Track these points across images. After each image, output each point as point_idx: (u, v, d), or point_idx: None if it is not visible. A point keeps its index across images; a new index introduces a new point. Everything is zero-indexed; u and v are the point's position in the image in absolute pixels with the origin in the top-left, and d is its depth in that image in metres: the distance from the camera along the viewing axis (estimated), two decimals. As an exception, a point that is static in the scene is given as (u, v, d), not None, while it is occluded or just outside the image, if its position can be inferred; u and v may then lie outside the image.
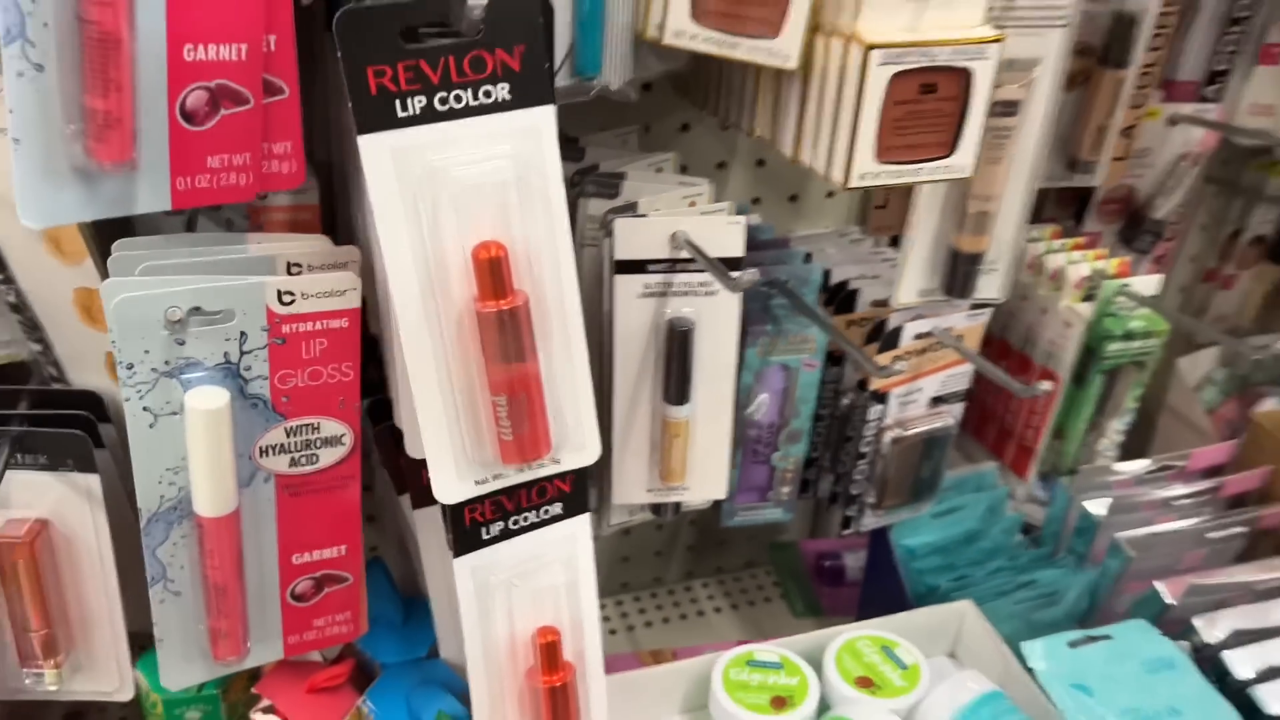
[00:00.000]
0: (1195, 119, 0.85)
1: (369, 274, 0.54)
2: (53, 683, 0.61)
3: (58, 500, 0.57)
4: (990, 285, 0.70)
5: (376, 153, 0.43)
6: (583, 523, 0.58)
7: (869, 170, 0.55)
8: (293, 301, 0.48)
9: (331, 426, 0.53)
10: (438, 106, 0.44)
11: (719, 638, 0.93)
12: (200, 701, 0.62)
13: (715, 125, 0.82)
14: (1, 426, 0.56)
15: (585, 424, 0.51)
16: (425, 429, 0.47)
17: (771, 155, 0.85)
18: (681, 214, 0.62)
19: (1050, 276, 0.79)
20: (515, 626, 0.56)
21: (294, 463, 0.53)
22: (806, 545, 1.04)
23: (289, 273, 0.51)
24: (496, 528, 0.54)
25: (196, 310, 0.46)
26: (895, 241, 0.83)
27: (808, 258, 0.73)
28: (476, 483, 0.49)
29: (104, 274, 0.56)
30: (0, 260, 0.55)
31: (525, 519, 0.55)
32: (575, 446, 0.51)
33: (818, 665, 0.69)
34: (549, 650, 0.55)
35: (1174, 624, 0.74)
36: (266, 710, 0.61)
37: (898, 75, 0.52)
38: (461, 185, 0.45)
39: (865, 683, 0.67)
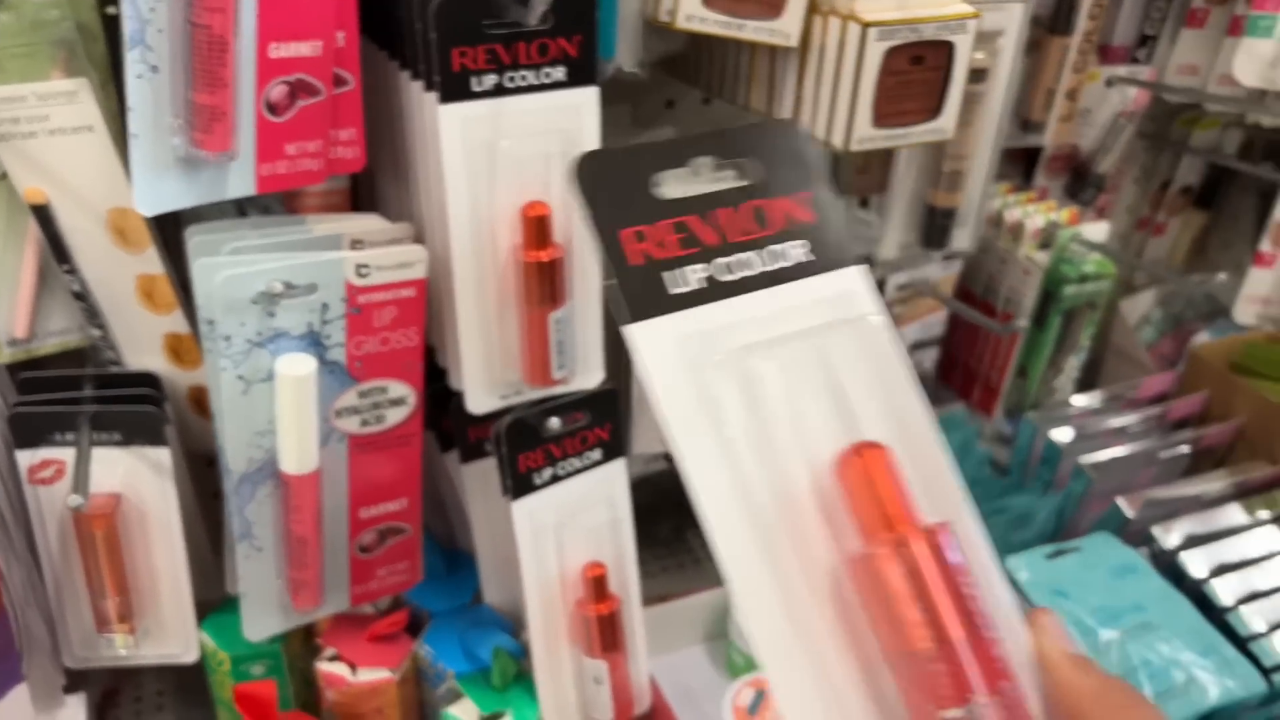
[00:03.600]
0: (1129, 80, 0.93)
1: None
2: (124, 647, 0.65)
3: (130, 473, 0.61)
4: (961, 237, 0.77)
5: (451, 121, 0.49)
6: (620, 466, 0.64)
7: (867, 135, 0.61)
8: (368, 274, 0.53)
9: (398, 388, 0.57)
10: (505, 84, 0.50)
11: (714, 582, 1.00)
12: (264, 656, 0.67)
13: (697, 101, 0.87)
14: (76, 406, 0.59)
15: (593, 358, 0.59)
16: (465, 355, 0.55)
17: (749, 127, 0.91)
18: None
19: (1009, 229, 0.87)
20: (565, 563, 0.62)
21: (364, 423, 0.57)
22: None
23: (353, 249, 0.56)
24: (547, 474, 0.60)
25: (288, 285, 0.50)
26: (865, 204, 0.90)
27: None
28: (501, 397, 0.57)
29: (165, 260, 0.61)
30: (66, 250, 0.59)
31: (571, 465, 0.61)
32: (584, 371, 0.59)
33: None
34: (597, 583, 0.61)
35: (1134, 535, 0.83)
36: (333, 659, 0.66)
37: (891, 49, 0.58)
38: (517, 153, 0.52)
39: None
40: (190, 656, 0.66)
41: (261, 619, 0.60)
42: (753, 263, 0.29)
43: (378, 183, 0.65)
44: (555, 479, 0.61)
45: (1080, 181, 0.98)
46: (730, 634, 0.74)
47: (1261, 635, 0.75)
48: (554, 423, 0.59)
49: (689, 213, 0.28)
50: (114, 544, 0.61)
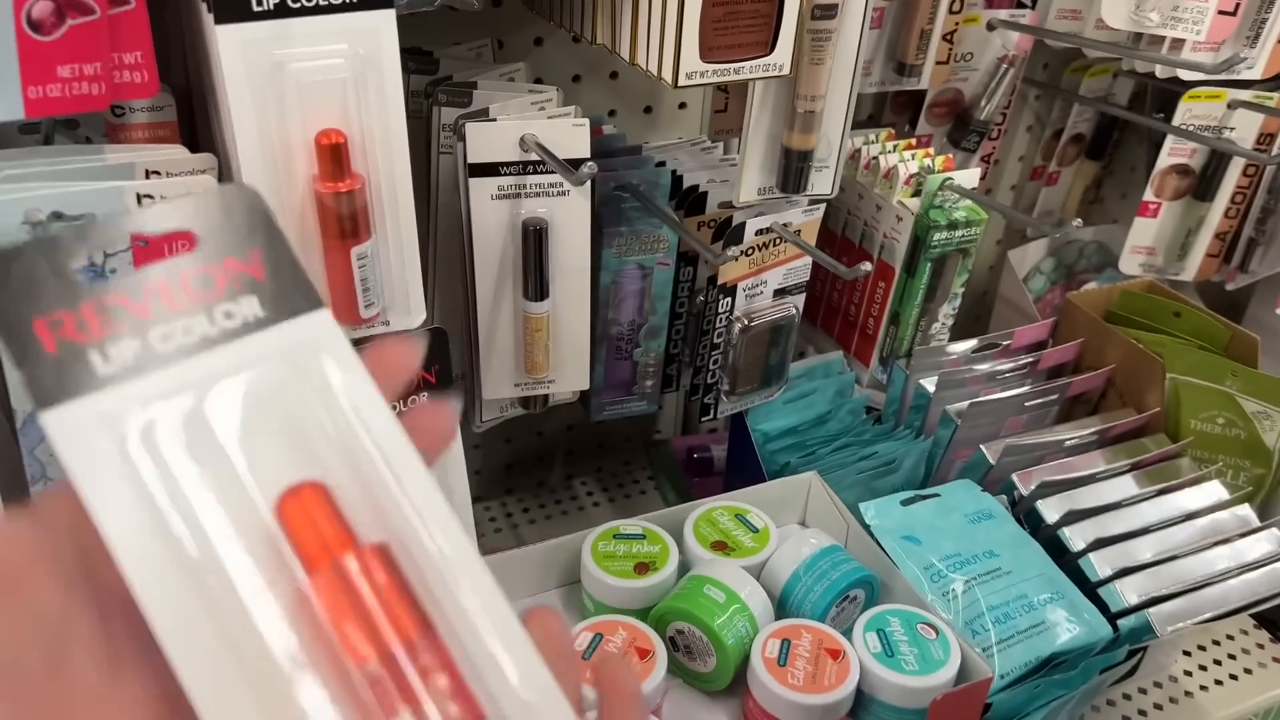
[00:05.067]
0: (1010, 23, 0.92)
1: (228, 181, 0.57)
2: None
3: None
4: (823, 182, 0.76)
5: (230, 43, 0.47)
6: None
7: (695, 69, 0.59)
8: (152, 205, 0.51)
9: None
10: (290, 4, 0.47)
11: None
12: None
13: (567, 39, 0.85)
14: None
15: (413, 294, 0.57)
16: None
17: (624, 68, 0.89)
18: (529, 118, 0.66)
19: (883, 175, 0.86)
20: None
21: None
22: (678, 442, 1.10)
23: (147, 179, 0.53)
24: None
25: (58, 215, 0.48)
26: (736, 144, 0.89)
27: (660, 164, 0.77)
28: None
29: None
30: None
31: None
32: (402, 311, 0.57)
33: (678, 536, 0.75)
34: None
35: (996, 482, 0.83)
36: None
37: (715, -21, 0.57)
38: (309, 78, 0.50)
39: (720, 546, 0.74)
40: None
41: None
42: (194, 328, 0.27)
43: (198, 124, 0.63)
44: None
45: (963, 128, 0.97)
46: (582, 578, 0.73)
47: (1110, 579, 0.75)
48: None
49: (117, 291, 0.27)
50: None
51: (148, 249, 0.28)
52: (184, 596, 0.25)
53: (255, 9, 0.48)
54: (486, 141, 0.64)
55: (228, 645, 0.25)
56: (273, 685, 0.25)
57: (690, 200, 0.82)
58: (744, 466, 0.92)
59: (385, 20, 0.50)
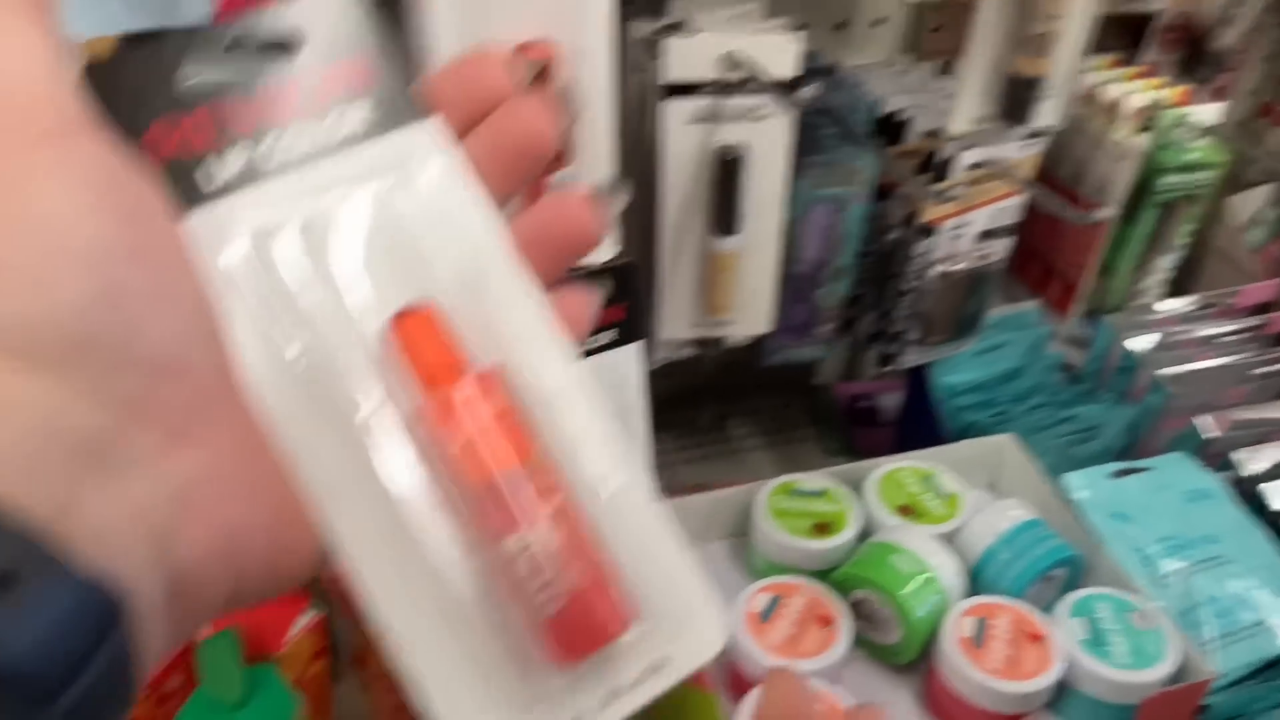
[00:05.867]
0: (1268, -62, 0.80)
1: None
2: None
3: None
4: (1047, 112, 0.68)
5: None
6: (633, 352, 0.58)
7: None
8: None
9: None
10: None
11: (753, 474, 0.94)
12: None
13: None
14: None
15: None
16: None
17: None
18: (734, 33, 0.60)
19: (1105, 107, 0.77)
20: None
21: None
22: (841, 388, 1.04)
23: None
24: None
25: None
26: (947, 69, 0.80)
27: (857, 85, 0.70)
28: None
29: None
30: None
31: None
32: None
33: (858, 493, 0.70)
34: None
35: (1214, 458, 0.75)
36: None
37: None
38: None
39: (906, 510, 0.69)
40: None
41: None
42: (305, 136, 0.26)
43: None
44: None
45: (1197, 57, 0.86)
46: (751, 534, 0.69)
47: (1347, 578, 0.67)
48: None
49: (224, 97, 0.25)
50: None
51: (256, 52, 0.26)
52: (303, 405, 0.24)
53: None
54: (685, 58, 0.58)
55: (344, 456, 0.24)
56: (384, 501, 0.24)
57: (890, 127, 0.75)
58: (921, 423, 0.86)
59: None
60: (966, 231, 0.74)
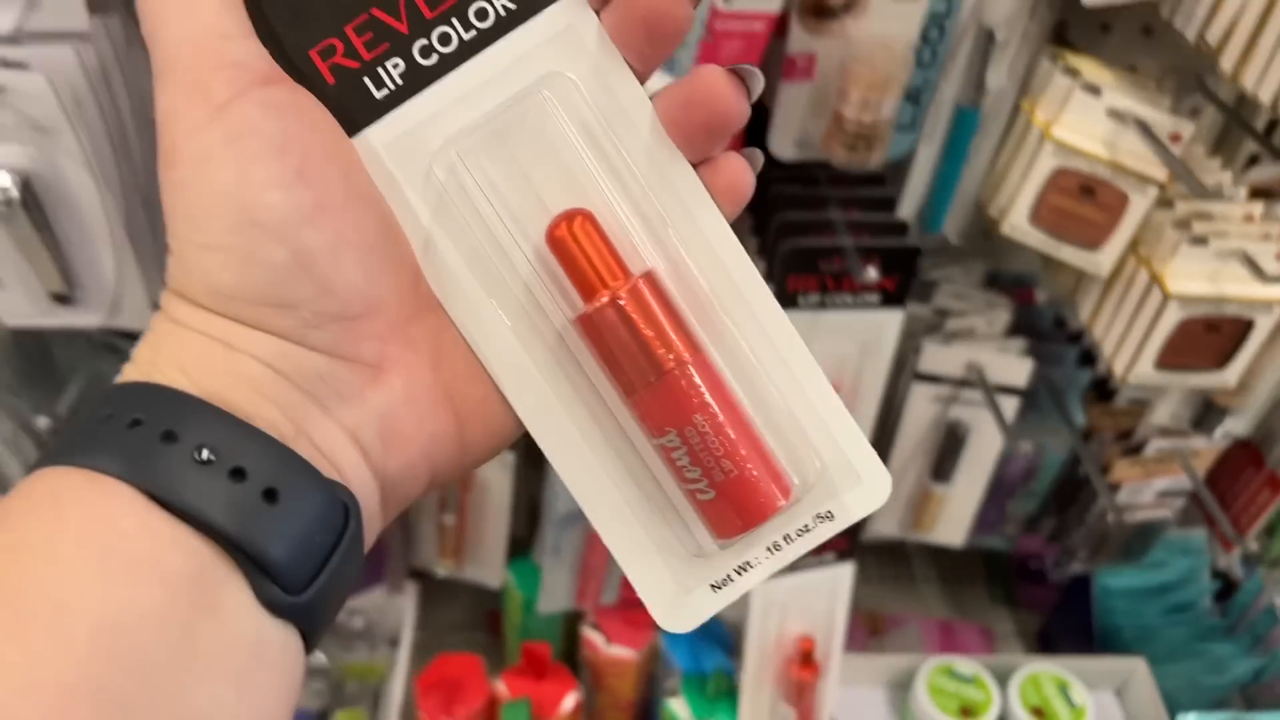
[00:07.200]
0: None
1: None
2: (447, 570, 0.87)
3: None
4: (1238, 423, 0.81)
5: None
6: (848, 569, 0.77)
7: (1146, 374, 0.67)
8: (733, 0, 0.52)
9: None
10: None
11: (921, 606, 1.12)
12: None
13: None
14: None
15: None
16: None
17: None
18: (981, 347, 0.76)
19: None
20: (785, 627, 0.77)
21: None
22: (1020, 541, 1.19)
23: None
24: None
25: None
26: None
27: (1083, 359, 0.85)
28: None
29: None
30: None
31: (807, 562, 0.75)
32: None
33: (1004, 685, 0.87)
34: (805, 655, 0.76)
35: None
36: (593, 626, 0.85)
37: (1188, 320, 0.64)
38: None
39: (1038, 713, 0.85)
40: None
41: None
42: (451, 37, 0.26)
43: None
44: (792, 569, 0.75)
45: None
46: (909, 697, 0.87)
47: None
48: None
49: (373, 5, 0.26)
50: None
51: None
52: (486, 305, 0.27)
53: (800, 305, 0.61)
54: (937, 359, 0.75)
55: (525, 355, 0.27)
56: (569, 392, 0.28)
57: (1101, 385, 0.89)
58: (1075, 609, 1.00)
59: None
60: (1148, 489, 0.88)
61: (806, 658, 0.76)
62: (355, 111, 0.26)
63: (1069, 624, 0.98)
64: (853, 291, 0.61)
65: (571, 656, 0.90)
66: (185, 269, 0.25)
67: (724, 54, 0.55)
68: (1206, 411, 0.79)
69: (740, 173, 0.27)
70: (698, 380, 0.26)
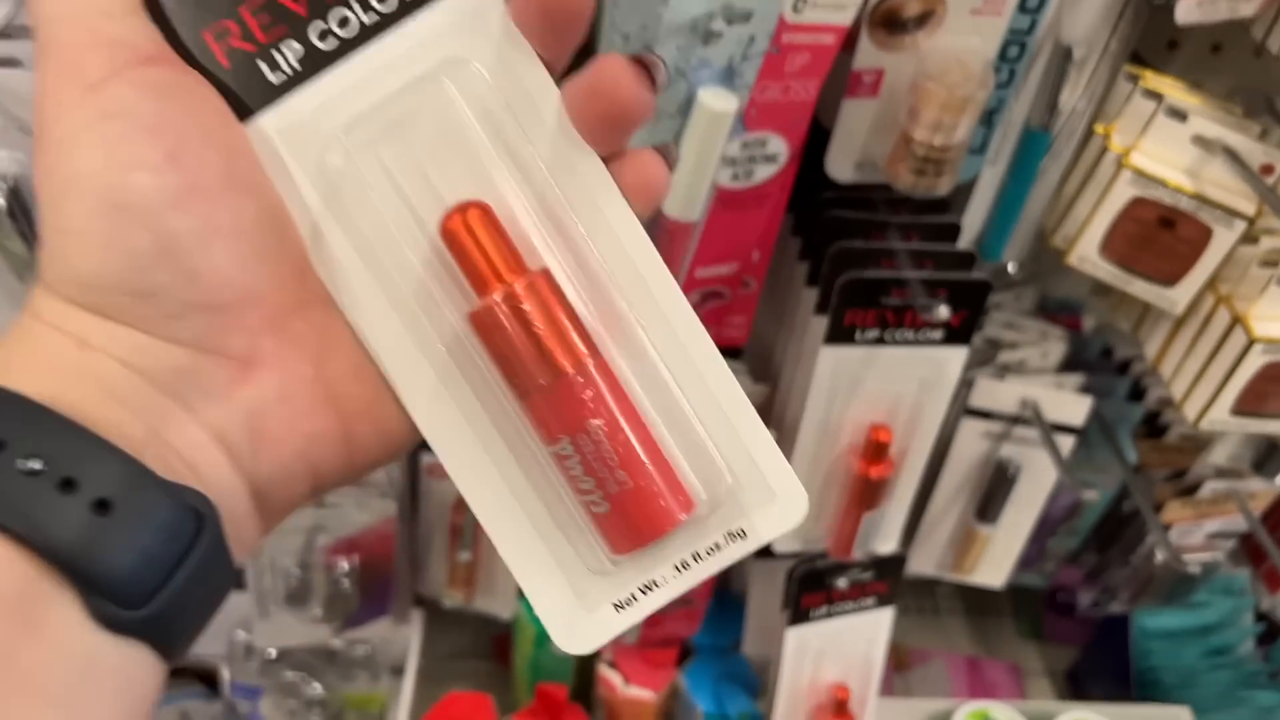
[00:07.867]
0: None
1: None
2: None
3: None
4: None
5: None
6: (888, 614, 0.72)
7: (1220, 419, 0.62)
8: (803, 10, 0.48)
9: (776, 143, 0.53)
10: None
11: (946, 641, 1.08)
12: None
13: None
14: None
15: (893, 532, 0.64)
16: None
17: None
18: (1034, 376, 0.71)
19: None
20: (818, 676, 0.72)
21: (734, 177, 0.54)
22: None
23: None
24: (823, 611, 0.69)
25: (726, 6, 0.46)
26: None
27: (1135, 393, 0.80)
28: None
29: None
30: None
31: (846, 608, 0.70)
32: (883, 541, 0.65)
33: (1039, 730, 0.82)
34: (839, 705, 0.71)
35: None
36: (610, 664, 0.81)
37: (1272, 364, 0.59)
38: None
39: (1075, 763, 0.81)
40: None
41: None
42: (350, 20, 0.25)
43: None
44: (829, 615, 0.70)
45: None
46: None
47: None
48: (841, 581, 0.68)
49: None
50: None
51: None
52: (380, 300, 0.26)
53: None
54: (990, 394, 0.70)
55: (406, 327, 0.26)
56: (464, 394, 0.26)
57: (1152, 421, 0.85)
58: (1110, 651, 0.96)
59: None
60: (1198, 530, 0.83)
61: (841, 707, 0.71)
62: (249, 96, 0.25)
63: (1102, 664, 0.93)
64: (915, 327, 0.56)
65: (584, 694, 0.85)
66: (51, 258, 0.23)
67: (789, 69, 0.50)
68: (1270, 453, 0.74)
69: (652, 168, 0.27)
70: (593, 384, 0.25)
